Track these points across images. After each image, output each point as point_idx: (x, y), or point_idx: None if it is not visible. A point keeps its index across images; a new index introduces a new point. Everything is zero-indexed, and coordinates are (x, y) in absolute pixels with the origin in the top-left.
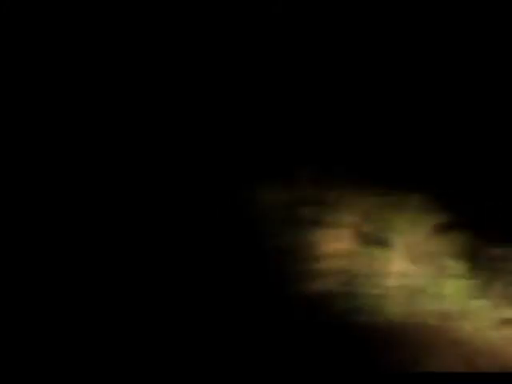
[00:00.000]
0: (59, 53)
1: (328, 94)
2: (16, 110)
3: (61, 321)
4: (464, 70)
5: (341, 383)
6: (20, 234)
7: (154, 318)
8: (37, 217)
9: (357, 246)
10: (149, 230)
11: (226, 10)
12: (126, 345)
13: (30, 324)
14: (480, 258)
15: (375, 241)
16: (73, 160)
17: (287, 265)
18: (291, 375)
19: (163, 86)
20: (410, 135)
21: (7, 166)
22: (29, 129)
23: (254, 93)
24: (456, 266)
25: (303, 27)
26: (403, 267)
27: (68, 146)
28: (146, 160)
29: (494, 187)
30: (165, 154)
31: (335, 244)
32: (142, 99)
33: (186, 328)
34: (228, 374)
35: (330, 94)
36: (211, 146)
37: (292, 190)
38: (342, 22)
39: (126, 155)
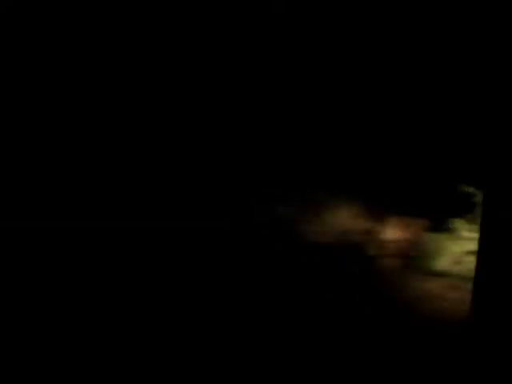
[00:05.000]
0: (59, 53)
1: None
2: (16, 110)
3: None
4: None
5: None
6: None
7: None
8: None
9: None
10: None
11: (226, 10)
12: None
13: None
14: None
15: None
16: (71, 161)
17: None
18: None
19: (162, 86)
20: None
21: (7, 166)
22: (28, 129)
23: (253, 94)
24: None
25: (304, 28)
26: None
27: (67, 146)
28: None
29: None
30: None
31: None
32: (140, 101)
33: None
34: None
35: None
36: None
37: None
38: (343, 24)
39: (125, 158)
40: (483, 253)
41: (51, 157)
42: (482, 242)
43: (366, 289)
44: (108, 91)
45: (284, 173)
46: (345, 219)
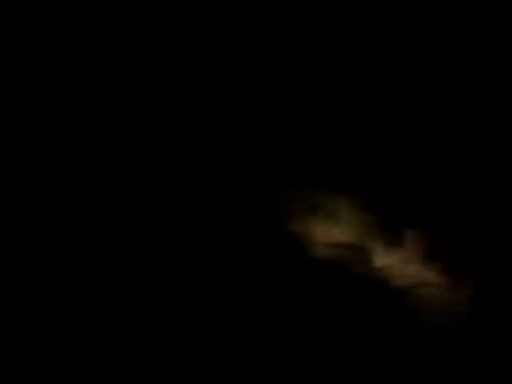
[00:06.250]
0: (59, 52)
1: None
2: (16, 110)
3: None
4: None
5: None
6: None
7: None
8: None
9: None
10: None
11: (226, 10)
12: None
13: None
14: None
15: None
16: (71, 161)
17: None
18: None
19: (161, 85)
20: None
21: (7, 166)
22: (28, 129)
23: (252, 93)
24: None
25: (305, 28)
26: None
27: (67, 146)
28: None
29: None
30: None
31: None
32: (140, 101)
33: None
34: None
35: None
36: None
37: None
38: (343, 24)
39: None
40: (483, 252)
41: (51, 156)
42: (481, 241)
43: (367, 289)
44: (107, 91)
45: (284, 172)
46: (344, 218)
